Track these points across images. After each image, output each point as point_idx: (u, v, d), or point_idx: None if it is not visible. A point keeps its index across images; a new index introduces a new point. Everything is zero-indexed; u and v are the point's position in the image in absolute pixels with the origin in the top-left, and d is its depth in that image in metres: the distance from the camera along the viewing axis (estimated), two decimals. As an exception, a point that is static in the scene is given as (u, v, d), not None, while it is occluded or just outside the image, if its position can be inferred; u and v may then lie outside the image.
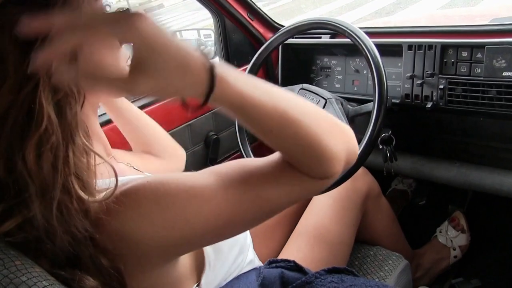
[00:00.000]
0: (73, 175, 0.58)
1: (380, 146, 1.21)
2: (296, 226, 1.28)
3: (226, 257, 0.89)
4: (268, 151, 0.67)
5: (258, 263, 1.03)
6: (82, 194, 0.59)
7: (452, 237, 1.67)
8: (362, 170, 1.37)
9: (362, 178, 1.37)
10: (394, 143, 1.21)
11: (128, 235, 0.61)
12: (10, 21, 0.52)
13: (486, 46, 1.16)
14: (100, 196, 0.61)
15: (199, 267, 0.81)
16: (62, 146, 0.57)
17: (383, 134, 1.21)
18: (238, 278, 0.94)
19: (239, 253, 0.94)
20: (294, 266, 1.05)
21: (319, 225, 1.24)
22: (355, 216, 1.31)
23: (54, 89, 0.55)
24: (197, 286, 0.82)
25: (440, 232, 1.70)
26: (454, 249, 1.65)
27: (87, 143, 0.61)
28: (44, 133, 0.54)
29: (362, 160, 1.12)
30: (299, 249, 1.21)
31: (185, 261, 0.76)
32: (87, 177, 0.61)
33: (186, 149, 1.55)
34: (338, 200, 1.15)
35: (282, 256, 1.18)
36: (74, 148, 0.59)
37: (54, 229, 0.56)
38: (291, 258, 1.09)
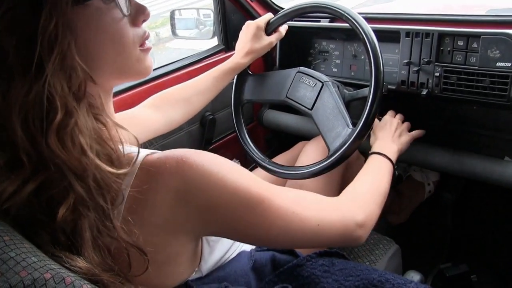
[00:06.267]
0: (100, 153, 0.61)
1: None
2: None
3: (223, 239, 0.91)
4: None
5: (249, 246, 1.04)
6: (109, 169, 0.61)
7: (426, 173, 1.78)
8: (356, 154, 1.39)
9: (356, 163, 1.39)
10: None
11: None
12: (7, 22, 0.53)
13: (481, 36, 1.16)
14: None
15: (200, 249, 0.83)
16: (83, 129, 0.58)
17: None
18: (230, 262, 0.95)
19: None
20: (285, 249, 1.06)
21: None
22: (337, 188, 1.35)
23: (65, 79, 0.56)
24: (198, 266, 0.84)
25: (415, 170, 1.80)
26: (429, 184, 1.78)
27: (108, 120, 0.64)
28: (63, 120, 0.56)
29: (356, 145, 1.13)
30: None
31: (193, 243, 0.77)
32: (113, 150, 0.64)
33: (181, 129, 1.56)
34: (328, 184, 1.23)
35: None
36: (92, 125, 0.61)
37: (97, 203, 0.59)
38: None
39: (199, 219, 0.69)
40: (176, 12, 1.82)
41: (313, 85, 1.27)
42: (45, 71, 0.54)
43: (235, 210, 0.70)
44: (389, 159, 1.13)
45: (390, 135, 1.23)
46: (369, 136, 1.23)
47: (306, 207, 0.80)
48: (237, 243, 0.98)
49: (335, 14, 1.22)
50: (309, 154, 1.35)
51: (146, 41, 0.71)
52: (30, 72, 0.53)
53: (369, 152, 1.16)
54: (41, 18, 0.54)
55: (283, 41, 1.45)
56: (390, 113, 1.32)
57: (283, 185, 1.34)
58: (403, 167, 1.88)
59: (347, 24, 1.20)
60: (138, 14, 0.69)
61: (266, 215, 0.73)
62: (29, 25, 0.54)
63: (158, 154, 0.68)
